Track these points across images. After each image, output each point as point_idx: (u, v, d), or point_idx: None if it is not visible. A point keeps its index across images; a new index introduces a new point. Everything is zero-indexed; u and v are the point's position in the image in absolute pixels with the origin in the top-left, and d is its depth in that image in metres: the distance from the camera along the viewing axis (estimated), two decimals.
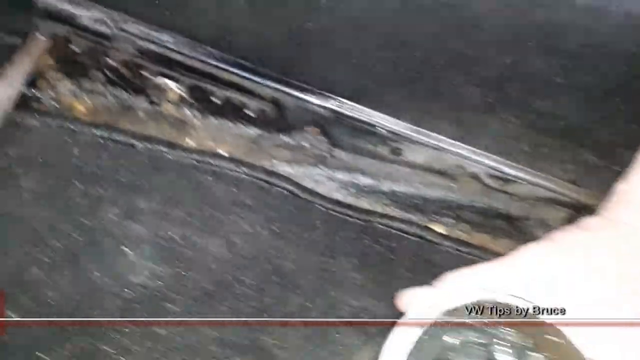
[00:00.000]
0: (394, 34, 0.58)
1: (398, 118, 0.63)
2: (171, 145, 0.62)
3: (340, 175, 0.67)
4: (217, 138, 0.67)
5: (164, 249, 0.55)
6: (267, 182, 0.62)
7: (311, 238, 0.60)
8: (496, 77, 0.57)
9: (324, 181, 0.67)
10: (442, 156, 0.64)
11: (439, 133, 0.64)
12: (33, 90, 0.62)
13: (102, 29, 0.59)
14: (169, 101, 0.68)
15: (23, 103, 0.60)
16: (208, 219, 0.58)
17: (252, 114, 0.63)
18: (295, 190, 0.62)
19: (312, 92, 0.62)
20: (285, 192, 0.62)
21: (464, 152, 0.63)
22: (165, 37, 0.60)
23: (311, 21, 0.60)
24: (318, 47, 0.62)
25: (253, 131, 0.67)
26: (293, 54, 0.64)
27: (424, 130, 0.63)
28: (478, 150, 0.64)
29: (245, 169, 0.62)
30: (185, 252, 0.56)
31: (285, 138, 0.67)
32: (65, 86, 0.66)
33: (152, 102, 0.67)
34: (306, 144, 0.67)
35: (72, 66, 0.65)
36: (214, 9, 0.61)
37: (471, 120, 0.64)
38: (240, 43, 0.64)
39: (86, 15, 0.58)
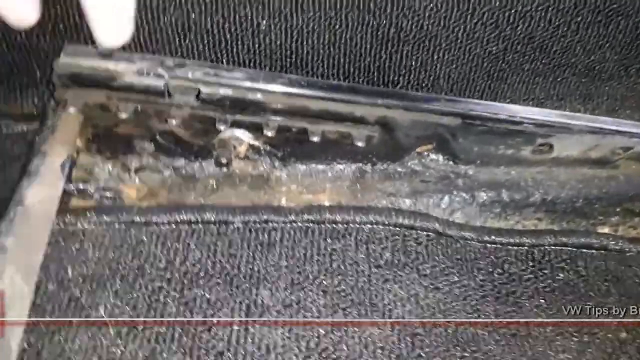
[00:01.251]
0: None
1: (541, 106, 0.50)
2: (264, 210, 0.47)
3: (477, 196, 0.53)
4: (313, 187, 0.53)
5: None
6: (396, 225, 0.47)
7: (478, 284, 0.46)
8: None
9: (459, 208, 0.53)
10: (600, 141, 0.51)
11: (590, 112, 0.52)
12: (71, 183, 0.46)
13: (153, 82, 0.44)
14: (240, 157, 0.53)
15: (64, 203, 0.44)
16: (351, 294, 0.43)
17: (359, 144, 0.48)
18: (434, 227, 0.48)
19: (427, 100, 0.48)
20: (423, 233, 0.47)
21: (625, 129, 0.50)
22: (237, 74, 0.45)
23: (395, 19, 0.48)
24: (412, 46, 0.50)
25: (353, 167, 0.53)
26: (386, 60, 0.51)
27: (578, 115, 0.50)
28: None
29: (363, 217, 0.47)
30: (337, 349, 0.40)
31: (394, 166, 0.53)
32: (106, 170, 0.50)
33: (220, 164, 0.52)
34: (421, 168, 0.53)
35: (113, 141, 0.49)
36: (282, 30, 0.48)
37: (617, 91, 0.52)
38: (322, 61, 0.50)
39: (130, 70, 0.43)
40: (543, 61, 0.53)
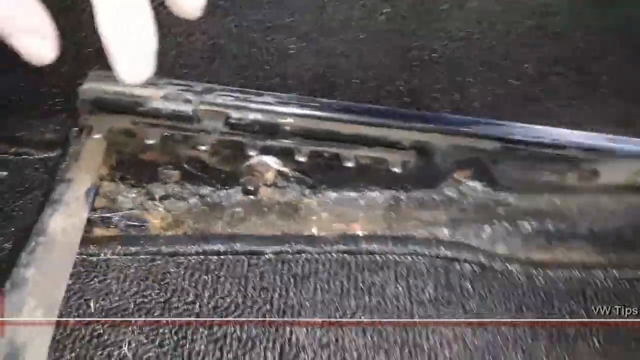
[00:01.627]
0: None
1: (588, 130, 0.47)
2: (297, 240, 0.44)
3: (520, 225, 0.50)
4: (345, 215, 0.50)
5: None
6: (438, 257, 0.44)
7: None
8: None
9: (501, 238, 0.49)
10: None
11: (634, 135, 0.49)
12: (94, 211, 0.44)
13: (181, 107, 0.42)
14: (267, 185, 0.51)
15: (89, 232, 0.42)
16: (393, 334, 0.39)
17: (395, 169, 0.46)
18: (479, 260, 0.44)
19: (465, 123, 0.46)
20: (467, 266, 0.44)
21: None
22: (267, 99, 0.44)
23: (427, 41, 0.46)
24: (444, 68, 0.48)
25: (386, 194, 0.50)
26: (418, 83, 0.49)
27: (624, 138, 0.47)
28: None
29: (402, 248, 0.44)
30: None
31: (430, 193, 0.50)
32: (130, 198, 0.48)
33: (247, 192, 0.50)
34: (459, 195, 0.51)
35: (138, 168, 0.47)
36: (311, 54, 0.47)
37: None
38: (351, 85, 0.48)
39: (156, 95, 0.42)
40: (582, 83, 0.51)
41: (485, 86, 0.49)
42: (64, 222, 0.38)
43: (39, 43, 0.29)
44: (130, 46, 0.28)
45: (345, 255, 0.43)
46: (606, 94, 0.50)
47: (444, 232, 0.49)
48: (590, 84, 0.50)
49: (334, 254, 0.42)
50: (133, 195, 0.48)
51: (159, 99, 0.42)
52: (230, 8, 0.43)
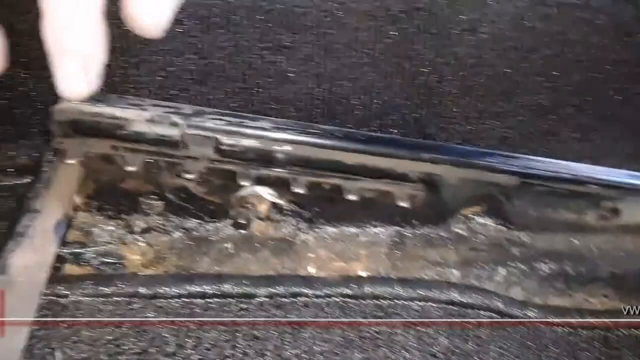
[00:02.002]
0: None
1: (607, 165, 0.44)
2: (292, 281, 0.40)
3: (536, 268, 0.46)
4: (346, 253, 0.46)
5: None
6: (451, 303, 0.40)
7: None
8: None
9: (517, 281, 0.45)
10: None
11: None
12: (65, 247, 0.39)
13: (166, 131, 0.38)
14: (260, 218, 0.46)
15: (58, 270, 0.37)
16: None
17: (402, 204, 0.42)
18: (496, 306, 0.40)
19: (479, 155, 0.42)
20: (483, 313, 0.40)
21: None
22: (263, 124, 0.40)
23: (436, 66, 0.43)
24: (454, 96, 0.45)
25: (390, 231, 0.46)
26: (425, 112, 0.45)
27: None
28: None
29: (410, 291, 0.40)
30: None
31: (438, 230, 0.46)
32: (107, 231, 0.43)
33: (237, 226, 0.45)
34: (469, 233, 0.47)
35: (116, 198, 0.43)
36: (311, 78, 0.43)
37: None
38: (354, 111, 0.45)
39: (140, 118, 0.38)
40: (600, 115, 0.48)
41: (496, 116, 0.46)
42: (28, 259, 0.33)
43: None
44: (73, 57, 0.25)
45: (347, 299, 0.38)
46: (626, 127, 0.47)
47: (455, 274, 0.45)
48: (609, 117, 0.47)
49: (334, 298, 0.38)
50: (111, 227, 0.44)
51: (143, 121, 0.38)
52: (227, 25, 0.39)
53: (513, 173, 0.42)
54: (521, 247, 0.47)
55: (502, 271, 0.46)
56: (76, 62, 0.25)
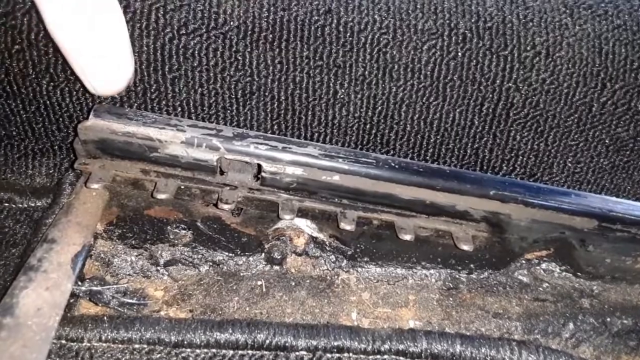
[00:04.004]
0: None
1: None
2: (336, 332, 0.34)
3: (609, 323, 0.40)
4: (392, 297, 0.40)
5: None
6: None
7: None
8: None
9: (586, 338, 0.40)
10: None
11: None
12: (81, 283, 0.35)
13: (204, 155, 0.34)
14: (296, 253, 0.41)
15: (72, 308, 0.33)
16: None
17: (464, 246, 0.37)
18: None
19: (554, 193, 0.37)
20: None
21: None
22: (310, 150, 0.35)
23: (506, 92, 0.38)
24: (523, 125, 0.40)
25: (442, 274, 0.41)
26: (489, 141, 0.40)
27: None
28: None
29: (473, 351, 0.34)
30: None
31: (497, 275, 0.41)
32: (129, 261, 0.39)
33: (271, 261, 0.41)
34: (532, 280, 0.41)
35: (142, 226, 0.38)
36: (363, 100, 0.38)
37: None
38: (408, 139, 0.40)
39: (176, 139, 0.33)
40: None
41: (569, 149, 0.41)
42: (40, 299, 0.28)
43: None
44: (94, 49, 0.22)
45: (399, 357, 0.33)
46: None
47: (518, 328, 0.39)
48: None
49: (385, 356, 0.33)
50: (133, 258, 0.39)
51: (179, 143, 0.33)
52: (275, 41, 0.35)
53: (591, 215, 0.37)
54: (592, 299, 0.41)
55: (570, 325, 0.40)
56: (104, 49, 0.22)
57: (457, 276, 0.41)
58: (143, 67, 0.35)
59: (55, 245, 0.32)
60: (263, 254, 0.41)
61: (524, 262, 0.41)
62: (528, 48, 0.37)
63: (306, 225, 0.42)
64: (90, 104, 0.37)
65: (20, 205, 0.37)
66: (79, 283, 0.32)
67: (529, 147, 0.41)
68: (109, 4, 0.24)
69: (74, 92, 0.36)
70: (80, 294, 0.32)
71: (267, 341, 0.33)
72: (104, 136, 0.33)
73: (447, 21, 0.37)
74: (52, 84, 0.36)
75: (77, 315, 0.32)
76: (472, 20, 0.37)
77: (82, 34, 0.23)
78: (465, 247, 0.37)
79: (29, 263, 0.31)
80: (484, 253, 0.40)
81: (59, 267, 0.31)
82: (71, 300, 0.33)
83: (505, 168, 0.42)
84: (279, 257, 0.41)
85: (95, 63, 0.23)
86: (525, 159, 0.41)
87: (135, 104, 0.36)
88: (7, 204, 0.37)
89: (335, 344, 0.33)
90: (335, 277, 0.41)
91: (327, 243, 0.41)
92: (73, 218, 0.33)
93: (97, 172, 0.35)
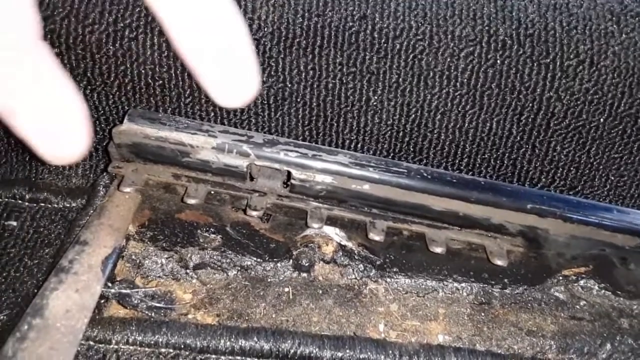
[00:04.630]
0: None
1: None
2: (362, 344, 0.34)
3: None
4: (421, 310, 0.39)
5: None
6: None
7: None
8: None
9: (623, 359, 0.38)
10: None
11: None
12: (111, 285, 0.35)
13: (234, 161, 0.34)
14: (324, 260, 0.41)
15: (101, 310, 0.33)
16: None
17: (499, 261, 0.36)
18: None
19: (595, 209, 0.36)
20: None
21: None
22: (340, 158, 0.35)
23: (546, 101, 0.37)
24: (564, 136, 0.38)
25: (474, 288, 0.40)
26: (527, 152, 0.39)
27: None
28: None
29: None
30: None
31: (532, 291, 0.39)
32: (159, 263, 0.39)
33: (299, 268, 0.40)
34: (568, 297, 0.40)
35: (172, 229, 0.39)
36: (397, 108, 0.38)
37: None
38: (442, 148, 0.39)
39: (208, 145, 0.33)
40: None
41: (611, 162, 0.39)
42: (70, 301, 0.29)
43: (55, 131, 0.19)
44: (220, 58, 0.20)
45: None
46: None
47: (552, 348, 0.37)
48: None
49: None
50: (163, 260, 0.39)
51: (210, 149, 0.33)
52: (309, 47, 0.35)
53: (634, 233, 0.35)
54: (631, 319, 0.39)
55: (607, 346, 0.38)
56: (231, 62, 0.20)
57: (490, 290, 0.40)
58: (178, 72, 0.35)
59: (87, 247, 0.32)
60: (291, 261, 0.41)
61: (560, 278, 0.39)
62: (571, 56, 0.36)
63: (335, 233, 0.41)
64: (126, 107, 0.37)
65: (56, 206, 0.37)
66: (109, 285, 0.33)
67: (569, 159, 0.39)
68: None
69: (110, 96, 0.37)
70: (110, 296, 0.33)
71: (292, 351, 0.33)
72: (137, 140, 0.34)
73: (486, 27, 0.36)
74: (89, 87, 0.36)
75: (106, 317, 0.32)
76: (513, 27, 0.36)
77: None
78: (499, 262, 0.35)
79: (60, 264, 0.31)
80: (519, 268, 0.38)
81: (89, 269, 0.31)
82: (101, 301, 0.33)
83: (544, 180, 0.40)
84: (306, 264, 0.40)
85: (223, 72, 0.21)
86: (565, 171, 0.40)
87: (170, 109, 0.37)
88: (43, 204, 0.38)
89: (362, 356, 0.33)
90: (363, 286, 0.40)
91: (355, 252, 0.41)
92: (105, 221, 0.34)
93: (130, 175, 0.35)
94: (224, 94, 0.21)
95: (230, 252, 0.40)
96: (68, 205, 0.38)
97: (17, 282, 0.34)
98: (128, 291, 0.33)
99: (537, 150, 0.39)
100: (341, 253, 0.41)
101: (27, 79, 0.18)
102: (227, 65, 0.20)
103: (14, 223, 0.36)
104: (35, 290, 0.33)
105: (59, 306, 0.28)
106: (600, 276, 0.38)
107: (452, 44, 0.36)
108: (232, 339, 0.33)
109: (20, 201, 0.38)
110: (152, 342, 0.32)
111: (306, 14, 0.35)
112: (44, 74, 0.18)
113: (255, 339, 0.33)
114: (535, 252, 0.36)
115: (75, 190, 0.39)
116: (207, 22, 0.20)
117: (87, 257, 0.31)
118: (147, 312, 0.33)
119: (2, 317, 0.32)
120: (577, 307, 0.39)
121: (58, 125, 0.19)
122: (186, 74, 0.34)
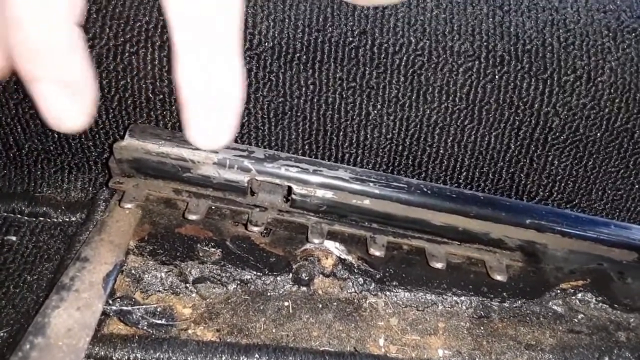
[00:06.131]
0: None
1: None
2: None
3: None
4: (420, 324, 0.40)
5: None
6: None
7: None
8: None
9: None
10: None
11: None
12: (112, 302, 0.35)
13: (235, 177, 0.34)
14: (323, 274, 0.41)
15: (102, 326, 0.33)
16: None
17: (498, 276, 0.36)
18: None
19: (593, 223, 0.36)
20: None
21: None
22: (341, 173, 0.35)
23: (544, 116, 0.37)
24: (561, 151, 0.39)
25: (473, 302, 0.40)
26: (525, 166, 0.39)
27: None
28: None
29: None
30: None
31: (530, 305, 0.40)
32: (159, 277, 0.39)
33: (299, 282, 0.40)
34: (566, 311, 0.40)
35: (172, 243, 0.39)
36: (396, 122, 0.38)
37: None
38: (441, 162, 0.39)
39: (209, 160, 0.33)
40: None
41: (608, 176, 0.40)
42: (71, 319, 0.29)
43: (69, 101, 0.22)
44: (211, 104, 0.21)
45: None
46: None
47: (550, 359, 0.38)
48: None
49: None
50: (163, 274, 0.39)
51: (211, 164, 0.33)
52: (309, 62, 0.35)
53: (631, 247, 0.35)
54: (629, 332, 0.40)
55: (605, 359, 0.39)
56: (215, 108, 0.22)
57: (489, 304, 0.40)
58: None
59: (87, 264, 0.32)
60: (291, 274, 0.41)
61: (559, 291, 0.39)
62: (569, 72, 0.36)
63: (335, 247, 0.41)
64: (127, 121, 0.37)
65: (55, 220, 0.37)
66: (110, 302, 0.33)
67: (567, 173, 0.40)
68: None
69: (110, 110, 0.37)
70: (111, 314, 0.33)
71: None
72: (138, 156, 0.34)
73: (485, 43, 0.36)
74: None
75: (107, 334, 0.32)
76: (511, 43, 0.36)
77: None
78: (499, 277, 0.36)
79: (61, 282, 0.31)
80: (518, 282, 0.39)
81: (90, 286, 0.31)
82: (101, 318, 0.33)
83: (541, 194, 0.41)
84: (306, 278, 0.40)
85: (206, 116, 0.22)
86: (562, 185, 0.40)
87: (170, 123, 0.37)
88: (42, 218, 0.38)
89: None
90: (363, 300, 0.41)
91: (355, 265, 0.41)
92: (106, 237, 0.34)
93: (131, 191, 0.35)
94: (199, 135, 0.22)
95: (229, 265, 0.40)
96: (67, 219, 0.38)
97: (17, 297, 0.34)
98: (129, 308, 0.33)
99: (534, 165, 0.39)
100: (341, 266, 0.41)
101: (59, 55, 0.21)
102: (213, 114, 0.22)
103: (14, 238, 0.36)
104: (36, 307, 0.33)
105: (60, 324, 0.28)
106: (597, 289, 0.39)
107: (451, 59, 0.36)
108: (234, 356, 0.33)
109: (19, 215, 0.38)
110: (153, 359, 0.32)
111: (306, 29, 0.35)
112: (74, 53, 0.21)
113: (257, 355, 0.33)
114: (534, 267, 0.37)
115: (75, 204, 0.38)
116: (212, 71, 0.21)
117: (88, 274, 0.31)
118: (148, 329, 0.33)
119: (2, 333, 0.32)
120: (575, 320, 0.40)
121: (73, 97, 0.22)
122: None
